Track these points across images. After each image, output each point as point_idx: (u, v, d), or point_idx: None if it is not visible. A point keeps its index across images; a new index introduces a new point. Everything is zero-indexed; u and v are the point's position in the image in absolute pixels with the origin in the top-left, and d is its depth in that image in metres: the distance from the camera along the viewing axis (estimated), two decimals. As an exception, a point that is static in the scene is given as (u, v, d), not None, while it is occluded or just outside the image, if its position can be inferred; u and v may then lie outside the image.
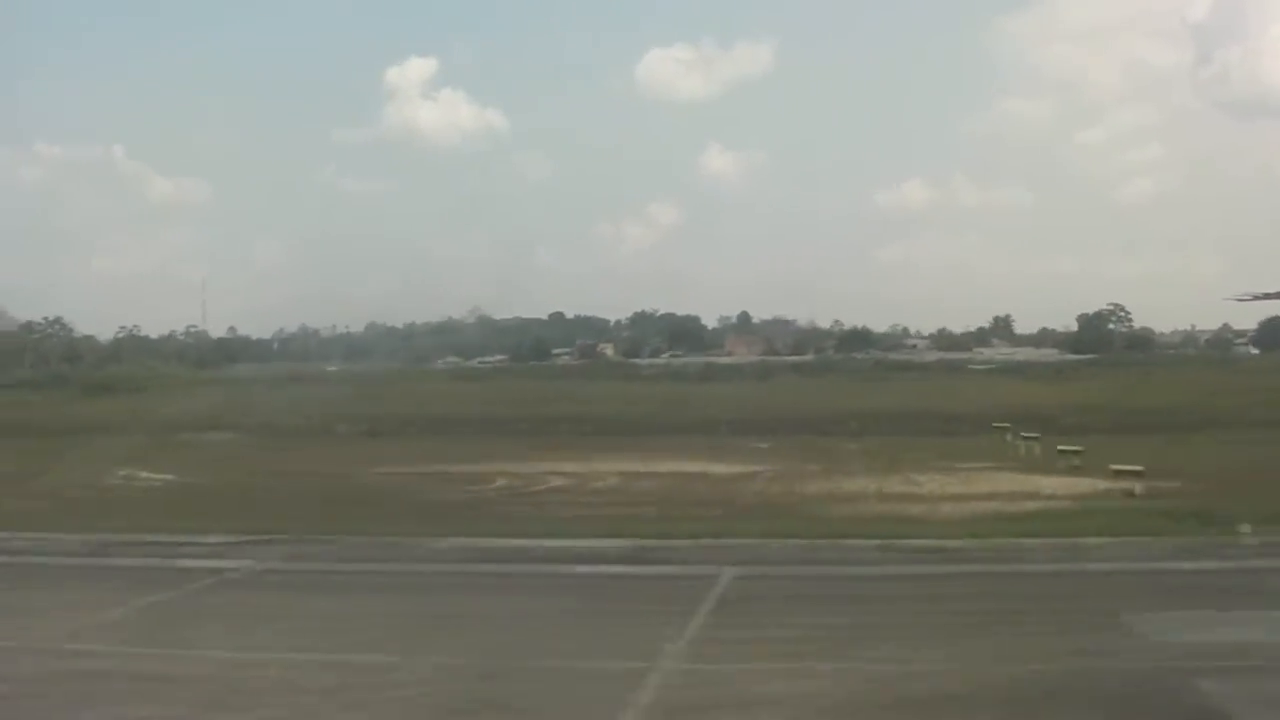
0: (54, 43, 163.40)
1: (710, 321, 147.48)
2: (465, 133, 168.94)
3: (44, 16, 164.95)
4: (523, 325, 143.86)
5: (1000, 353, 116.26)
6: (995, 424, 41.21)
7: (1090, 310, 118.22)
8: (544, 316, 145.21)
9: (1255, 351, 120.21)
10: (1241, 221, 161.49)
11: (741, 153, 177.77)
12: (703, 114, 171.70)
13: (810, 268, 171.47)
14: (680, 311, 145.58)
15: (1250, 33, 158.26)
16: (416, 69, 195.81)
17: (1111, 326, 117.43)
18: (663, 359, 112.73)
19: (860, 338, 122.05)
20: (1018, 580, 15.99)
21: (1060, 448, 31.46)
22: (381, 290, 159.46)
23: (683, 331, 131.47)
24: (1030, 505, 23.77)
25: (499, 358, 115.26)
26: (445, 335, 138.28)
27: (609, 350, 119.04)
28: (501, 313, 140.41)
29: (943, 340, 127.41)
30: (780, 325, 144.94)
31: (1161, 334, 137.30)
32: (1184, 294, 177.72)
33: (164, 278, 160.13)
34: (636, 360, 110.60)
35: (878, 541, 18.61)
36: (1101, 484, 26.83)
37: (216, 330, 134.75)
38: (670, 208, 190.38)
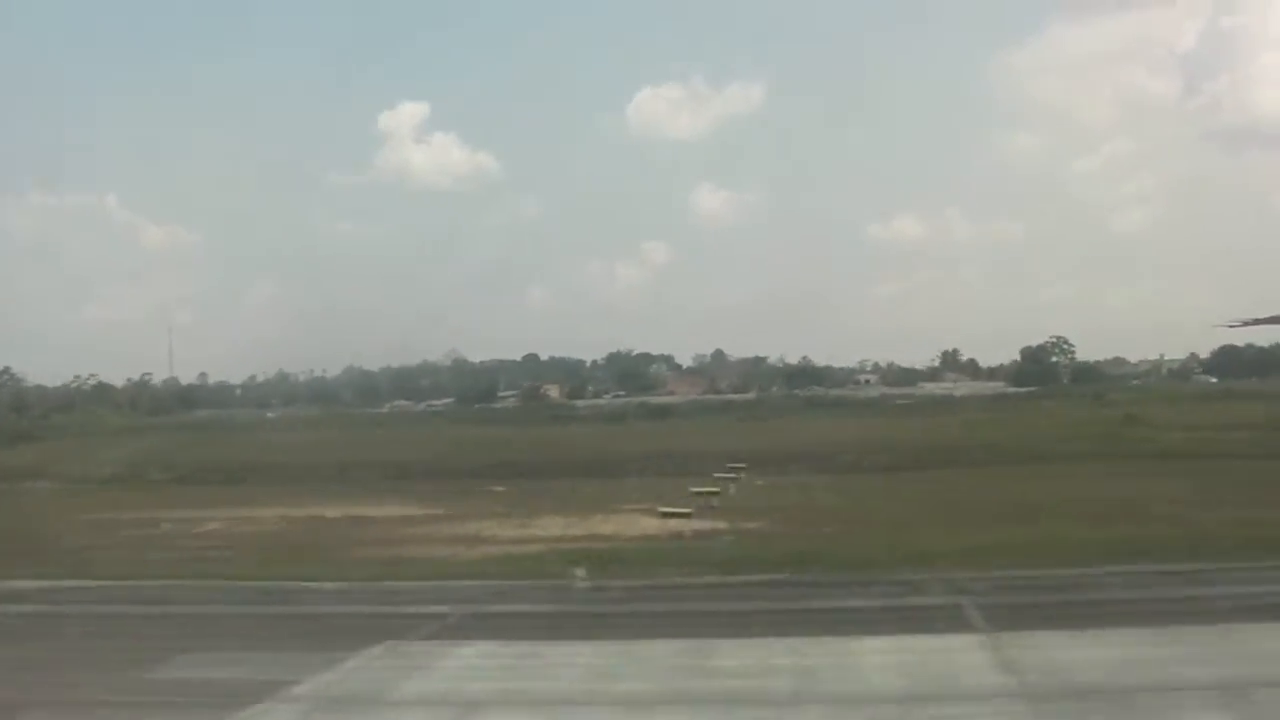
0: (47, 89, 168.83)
1: (685, 360, 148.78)
2: (457, 176, 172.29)
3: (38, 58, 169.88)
4: (499, 367, 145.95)
5: (942, 387, 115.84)
6: (731, 464, 41.66)
7: (1034, 343, 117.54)
8: (518, 358, 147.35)
9: (1213, 380, 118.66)
10: (1229, 250, 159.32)
11: (731, 191, 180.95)
12: (692, 153, 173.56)
13: (798, 304, 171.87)
14: (656, 350, 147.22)
15: (1238, 64, 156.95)
16: (409, 113, 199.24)
17: (1055, 359, 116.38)
18: (603, 400, 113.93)
19: (807, 374, 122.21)
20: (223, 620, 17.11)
21: (695, 490, 31.97)
22: (366, 333, 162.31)
23: (635, 372, 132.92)
24: (536, 549, 24.34)
25: (445, 401, 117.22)
26: (416, 378, 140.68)
27: (553, 392, 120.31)
28: (480, 355, 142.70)
29: (891, 375, 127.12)
30: (751, 363, 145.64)
31: (1130, 363, 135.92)
32: (1177, 320, 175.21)
33: (152, 325, 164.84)
34: (577, 402, 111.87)
35: (224, 581, 19.97)
36: (689, 525, 27.60)
37: (188, 376, 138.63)
38: (659, 246, 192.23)
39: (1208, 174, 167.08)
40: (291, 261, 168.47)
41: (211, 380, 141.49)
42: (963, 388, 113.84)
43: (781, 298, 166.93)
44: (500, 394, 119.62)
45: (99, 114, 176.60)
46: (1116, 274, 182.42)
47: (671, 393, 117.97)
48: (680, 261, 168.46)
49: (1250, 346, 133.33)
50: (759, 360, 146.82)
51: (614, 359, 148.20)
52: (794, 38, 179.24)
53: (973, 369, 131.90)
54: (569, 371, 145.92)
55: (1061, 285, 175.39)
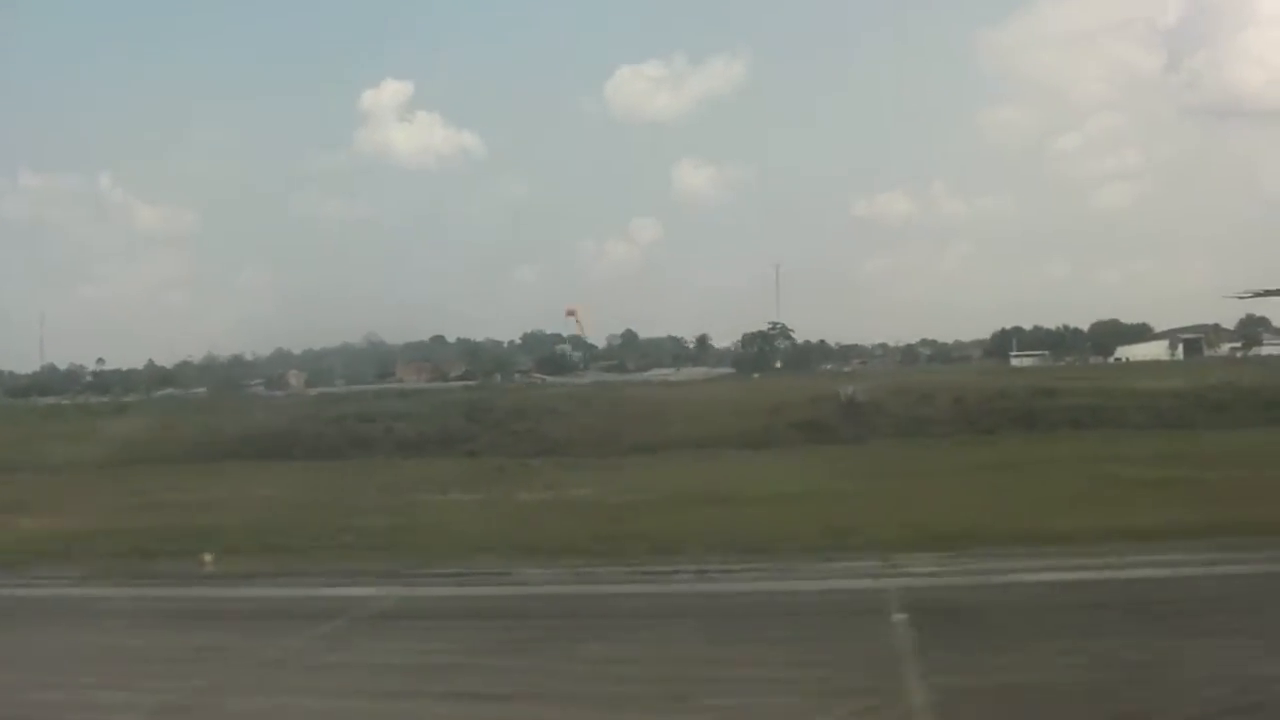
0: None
1: (600, 342, 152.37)
2: (440, 155, 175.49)
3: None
4: (410, 349, 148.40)
5: (660, 372, 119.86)
6: None
7: (755, 329, 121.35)
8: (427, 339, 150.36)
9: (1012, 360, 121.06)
10: (1209, 224, 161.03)
11: (714, 168, 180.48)
12: (673, 130, 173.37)
13: (779, 281, 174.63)
14: (567, 332, 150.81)
15: (1219, 39, 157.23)
16: (392, 92, 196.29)
17: (779, 344, 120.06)
18: (337, 387, 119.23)
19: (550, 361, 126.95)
20: None
21: None
22: (337, 314, 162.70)
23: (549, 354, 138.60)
24: None
25: (199, 390, 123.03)
26: (333, 360, 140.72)
27: (293, 380, 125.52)
28: (406, 336, 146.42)
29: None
30: (666, 342, 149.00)
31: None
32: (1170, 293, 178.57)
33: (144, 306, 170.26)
34: (311, 390, 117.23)
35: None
36: None
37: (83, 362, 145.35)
38: (646, 223, 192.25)
39: (1190, 148, 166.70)
40: (273, 242, 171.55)
41: (127, 367, 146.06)
42: (684, 374, 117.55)
43: (761, 276, 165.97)
44: (249, 383, 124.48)
45: (84, 95, 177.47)
46: (1099, 250, 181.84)
47: (401, 380, 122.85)
48: (660, 241, 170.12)
49: (1037, 328, 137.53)
50: (675, 340, 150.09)
51: (529, 339, 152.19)
52: (776, 13, 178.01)
53: (713, 354, 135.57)
54: (476, 353, 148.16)
55: (1048, 262, 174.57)
